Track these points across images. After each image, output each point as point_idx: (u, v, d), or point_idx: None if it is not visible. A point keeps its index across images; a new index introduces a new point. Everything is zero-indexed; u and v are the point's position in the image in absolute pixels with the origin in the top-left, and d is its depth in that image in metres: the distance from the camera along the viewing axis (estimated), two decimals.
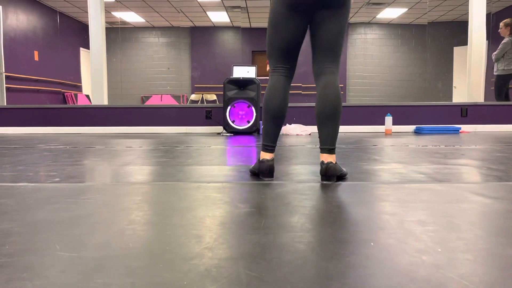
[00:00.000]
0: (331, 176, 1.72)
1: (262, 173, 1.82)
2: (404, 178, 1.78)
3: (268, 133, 1.87)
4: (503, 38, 5.67)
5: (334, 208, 1.25)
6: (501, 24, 5.65)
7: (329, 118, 1.77)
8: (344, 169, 1.82)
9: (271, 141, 1.86)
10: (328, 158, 1.75)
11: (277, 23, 1.83)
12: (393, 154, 2.70)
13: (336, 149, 2.02)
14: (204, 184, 1.65)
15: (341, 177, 1.79)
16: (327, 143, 1.77)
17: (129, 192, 1.51)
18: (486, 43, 6.36)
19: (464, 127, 5.30)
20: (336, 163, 1.76)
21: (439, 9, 9.88)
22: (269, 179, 1.80)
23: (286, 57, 1.88)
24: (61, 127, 5.50)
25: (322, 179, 1.75)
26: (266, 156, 1.84)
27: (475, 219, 1.13)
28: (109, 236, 0.98)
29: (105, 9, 7.31)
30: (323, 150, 1.78)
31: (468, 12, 6.39)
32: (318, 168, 2.06)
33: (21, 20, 8.38)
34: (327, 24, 1.79)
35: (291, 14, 1.79)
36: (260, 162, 1.83)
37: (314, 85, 1.89)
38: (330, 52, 1.83)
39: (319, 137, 1.81)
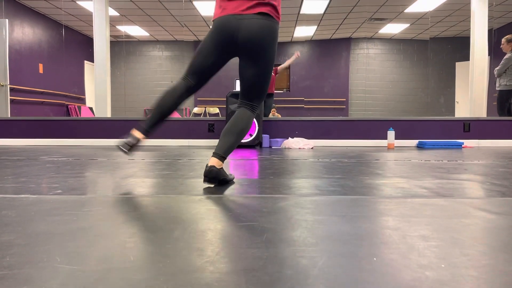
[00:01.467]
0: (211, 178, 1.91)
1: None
2: (407, 192, 1.77)
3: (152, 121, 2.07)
4: (505, 53, 5.70)
5: (336, 222, 1.25)
6: (503, 40, 5.68)
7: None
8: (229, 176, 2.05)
9: (147, 126, 2.06)
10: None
11: (203, 48, 2.07)
12: (396, 169, 2.69)
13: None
14: (206, 197, 1.65)
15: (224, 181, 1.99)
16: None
17: (131, 205, 1.50)
18: (488, 59, 6.39)
19: (467, 142, 5.29)
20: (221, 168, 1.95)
21: (440, 24, 9.95)
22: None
23: (196, 75, 2.12)
24: (64, 139, 5.52)
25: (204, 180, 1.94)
26: (135, 133, 2.05)
27: (478, 235, 1.12)
28: (110, 249, 0.98)
29: (110, 23, 7.39)
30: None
31: (469, 28, 6.44)
32: (320, 182, 2.06)
33: (27, 33, 8.48)
34: (246, 69, 2.05)
35: (215, 49, 2.03)
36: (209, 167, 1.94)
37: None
38: (247, 91, 2.09)
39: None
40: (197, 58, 2.10)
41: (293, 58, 6.46)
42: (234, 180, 2.13)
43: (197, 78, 2.11)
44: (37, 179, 2.17)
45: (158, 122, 2.08)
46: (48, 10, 8.89)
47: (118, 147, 2.05)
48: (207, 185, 1.95)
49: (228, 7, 1.98)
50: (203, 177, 1.93)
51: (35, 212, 1.36)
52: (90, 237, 1.08)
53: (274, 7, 1.98)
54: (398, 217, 1.31)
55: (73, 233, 1.11)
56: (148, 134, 2.06)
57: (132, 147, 2.03)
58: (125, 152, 2.03)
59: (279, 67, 6.61)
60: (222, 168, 1.96)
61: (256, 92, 2.08)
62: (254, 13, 1.94)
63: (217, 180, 1.92)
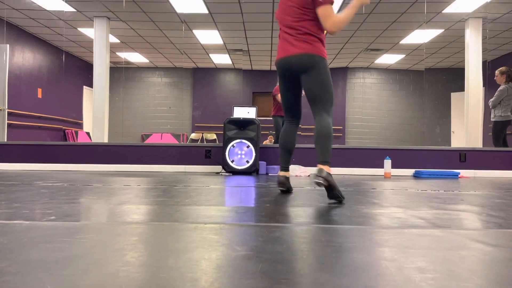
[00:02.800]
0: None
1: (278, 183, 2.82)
2: (403, 223, 1.76)
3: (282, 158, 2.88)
4: (499, 85, 5.79)
5: (332, 252, 1.23)
6: (497, 72, 5.79)
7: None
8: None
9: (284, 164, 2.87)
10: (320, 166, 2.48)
11: (280, 87, 2.80)
12: (392, 198, 2.68)
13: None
14: (201, 225, 1.64)
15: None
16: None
17: (125, 232, 1.49)
18: (482, 90, 6.48)
19: (463, 172, 5.30)
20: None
21: (436, 56, 10.14)
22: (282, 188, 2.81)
23: (287, 110, 2.86)
24: (60, 164, 5.50)
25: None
26: (280, 173, 2.84)
27: (475, 267, 1.11)
28: (103, 278, 0.96)
29: (110, 50, 7.51)
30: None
31: (464, 60, 6.56)
32: (317, 211, 2.05)
33: (27, 58, 8.57)
34: (303, 85, 2.66)
35: (282, 83, 2.77)
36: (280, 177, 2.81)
37: (312, 126, 2.62)
38: (311, 101, 2.66)
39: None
40: (282, 97, 2.88)
41: None
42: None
43: (290, 112, 2.88)
44: (30, 204, 2.15)
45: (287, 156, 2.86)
46: (50, 36, 9.02)
47: (280, 190, 2.88)
48: (204, 212, 1.93)
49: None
50: (316, 180, 2.40)
51: (27, 239, 1.34)
52: (82, 265, 1.06)
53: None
54: (394, 248, 1.30)
55: (66, 261, 1.10)
56: (288, 168, 2.85)
57: (286, 184, 2.80)
58: (285, 191, 2.84)
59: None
60: (331, 174, 2.45)
61: (320, 99, 2.64)
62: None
63: (325, 180, 2.37)
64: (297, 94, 2.78)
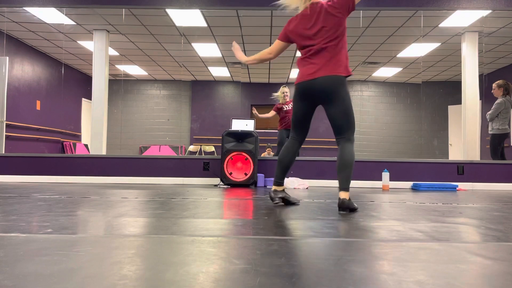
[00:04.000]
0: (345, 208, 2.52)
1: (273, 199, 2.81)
2: (402, 236, 1.75)
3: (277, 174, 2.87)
4: (496, 98, 5.82)
5: (331, 266, 1.23)
6: (494, 85, 5.83)
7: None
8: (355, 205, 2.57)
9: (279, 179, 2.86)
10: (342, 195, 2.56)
11: (294, 107, 2.81)
12: (391, 211, 2.68)
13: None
14: (199, 238, 1.63)
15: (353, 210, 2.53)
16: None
17: (122, 245, 1.48)
18: (479, 103, 6.52)
19: (461, 185, 5.30)
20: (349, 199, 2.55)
21: (433, 69, 10.22)
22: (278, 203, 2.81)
23: (296, 128, 2.86)
24: (58, 176, 5.48)
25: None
26: (274, 187, 2.85)
27: (474, 281, 1.10)
28: None
29: (109, 62, 7.54)
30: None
31: (461, 73, 6.61)
32: (315, 223, 2.05)
33: (26, 70, 8.60)
34: (329, 109, 2.68)
35: (302, 106, 2.75)
36: (274, 191, 2.83)
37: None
38: (336, 129, 2.72)
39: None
40: (294, 115, 2.86)
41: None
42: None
43: (298, 130, 2.90)
44: (27, 217, 2.13)
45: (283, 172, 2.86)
46: (49, 49, 9.07)
47: (274, 204, 2.84)
48: (202, 224, 1.92)
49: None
50: (342, 212, 2.51)
51: (24, 252, 1.33)
52: (79, 278, 1.05)
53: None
54: (393, 261, 1.30)
55: (62, 274, 1.09)
56: (282, 183, 2.86)
57: (280, 196, 2.83)
58: (277, 203, 2.82)
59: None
60: (350, 198, 2.56)
61: (346, 124, 2.70)
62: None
63: (348, 209, 2.51)
64: (311, 116, 2.82)
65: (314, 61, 2.63)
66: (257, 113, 6.84)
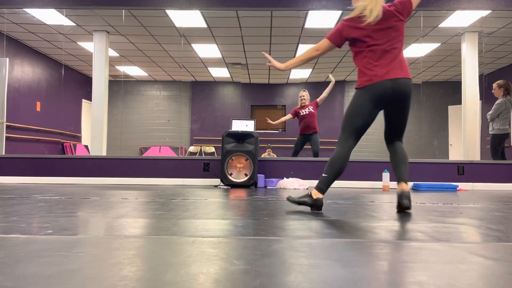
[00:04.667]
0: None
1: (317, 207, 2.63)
2: (402, 236, 1.75)
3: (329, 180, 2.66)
4: (496, 98, 5.82)
5: (331, 266, 1.23)
6: (495, 85, 5.82)
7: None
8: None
9: (325, 187, 2.65)
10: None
11: (359, 111, 2.62)
12: (391, 211, 2.68)
13: (331, 204, 2.62)
14: (199, 239, 1.63)
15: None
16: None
17: (122, 246, 1.48)
18: (479, 103, 6.52)
19: (461, 185, 5.30)
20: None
21: (432, 69, 10.22)
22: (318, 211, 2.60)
23: (358, 133, 2.69)
24: (58, 177, 5.48)
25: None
26: (319, 195, 2.63)
27: (475, 281, 1.10)
28: None
29: (109, 63, 7.54)
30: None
31: (461, 73, 6.61)
32: (315, 224, 2.04)
33: (26, 72, 8.61)
34: (396, 116, 2.65)
35: (370, 109, 2.60)
36: (316, 200, 2.61)
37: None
38: (396, 132, 2.74)
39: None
40: (354, 119, 2.65)
41: (330, 86, 6.32)
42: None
43: (360, 134, 2.70)
44: (28, 218, 2.13)
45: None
46: (49, 50, 9.07)
47: (313, 211, 2.63)
48: (203, 225, 1.92)
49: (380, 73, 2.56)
50: (399, 201, 2.56)
51: (24, 253, 1.33)
52: (79, 279, 1.05)
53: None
54: (393, 261, 1.30)
55: (62, 275, 1.09)
56: (324, 192, 2.66)
57: (310, 205, 2.63)
58: (296, 203, 2.67)
59: (318, 100, 6.43)
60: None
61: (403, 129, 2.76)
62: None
63: (409, 200, 2.55)
64: (373, 120, 2.68)
65: (385, 62, 2.57)
66: (271, 121, 6.77)
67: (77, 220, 2.10)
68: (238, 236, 1.72)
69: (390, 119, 2.69)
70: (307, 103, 6.37)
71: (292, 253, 1.40)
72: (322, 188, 2.63)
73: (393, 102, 2.58)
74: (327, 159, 5.75)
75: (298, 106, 6.41)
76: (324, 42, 2.72)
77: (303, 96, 6.39)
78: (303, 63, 2.80)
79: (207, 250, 1.43)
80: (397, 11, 2.60)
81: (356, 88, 2.67)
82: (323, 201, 2.68)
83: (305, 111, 6.30)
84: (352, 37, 2.63)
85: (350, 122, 2.66)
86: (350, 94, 11.44)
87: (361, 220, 2.22)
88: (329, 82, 6.31)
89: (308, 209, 2.72)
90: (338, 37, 2.68)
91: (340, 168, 2.64)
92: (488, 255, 1.40)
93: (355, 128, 2.65)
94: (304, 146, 6.44)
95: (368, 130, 2.73)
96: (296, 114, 6.40)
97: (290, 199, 2.72)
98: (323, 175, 2.65)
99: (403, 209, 2.59)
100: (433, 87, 11.09)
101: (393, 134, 2.74)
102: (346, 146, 2.66)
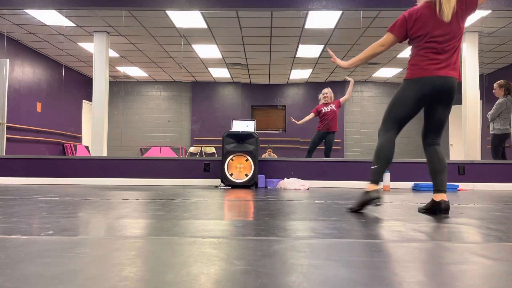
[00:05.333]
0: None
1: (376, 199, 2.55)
2: (403, 236, 1.75)
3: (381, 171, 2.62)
4: (497, 98, 5.82)
5: (332, 266, 1.23)
6: (495, 85, 5.82)
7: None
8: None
9: (379, 178, 2.62)
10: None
11: (404, 102, 2.61)
12: (392, 211, 2.68)
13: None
14: (200, 239, 1.63)
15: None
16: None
17: (123, 247, 1.48)
18: (480, 103, 6.52)
19: (462, 185, 5.30)
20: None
21: None
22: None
23: (400, 125, 2.68)
24: (58, 178, 5.48)
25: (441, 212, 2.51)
26: (375, 187, 2.57)
27: (476, 281, 1.10)
28: None
29: (109, 64, 7.54)
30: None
31: (461, 73, 6.60)
32: (316, 224, 2.04)
33: (27, 72, 8.61)
34: (437, 113, 2.61)
35: (415, 102, 2.57)
36: (374, 191, 2.54)
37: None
38: (435, 131, 2.69)
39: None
40: (399, 109, 2.63)
41: (351, 86, 6.30)
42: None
43: (402, 125, 2.68)
44: (28, 219, 2.13)
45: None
46: (49, 51, 9.07)
47: (375, 205, 2.57)
48: (203, 226, 1.92)
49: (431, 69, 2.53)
50: (444, 214, 2.51)
51: (25, 254, 1.33)
52: (80, 280, 1.05)
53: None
54: (394, 262, 1.30)
55: (63, 276, 1.09)
56: (379, 183, 2.61)
57: (379, 199, 2.55)
58: (359, 208, 2.60)
59: (341, 99, 6.43)
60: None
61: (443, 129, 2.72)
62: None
63: (448, 211, 2.52)
64: (415, 115, 2.67)
65: (441, 57, 2.52)
66: (295, 121, 6.76)
67: (77, 220, 2.10)
68: (239, 236, 1.72)
69: (431, 116, 2.64)
70: (329, 101, 6.34)
71: (292, 253, 1.40)
72: (376, 180, 2.59)
73: (438, 99, 2.56)
74: (330, 159, 5.76)
75: (321, 103, 6.38)
76: (388, 37, 2.67)
77: (326, 93, 6.36)
78: (367, 60, 2.76)
79: (208, 250, 1.43)
80: (462, 9, 2.54)
81: (404, 79, 2.62)
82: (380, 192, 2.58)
83: (327, 109, 6.28)
84: (414, 29, 2.57)
85: (393, 112, 2.65)
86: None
87: (362, 220, 2.22)
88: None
89: (309, 209, 2.72)
90: (402, 30, 2.62)
91: (388, 155, 2.62)
92: (488, 255, 1.40)
93: (397, 119, 2.64)
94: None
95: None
96: (317, 111, 6.37)
97: (352, 209, 2.64)
98: (373, 167, 2.62)
99: (438, 213, 2.53)
100: None
101: (431, 134, 2.68)
102: (388, 135, 2.65)
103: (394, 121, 2.65)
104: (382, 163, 2.61)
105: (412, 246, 1.54)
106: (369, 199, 2.54)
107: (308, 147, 6.44)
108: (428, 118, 2.67)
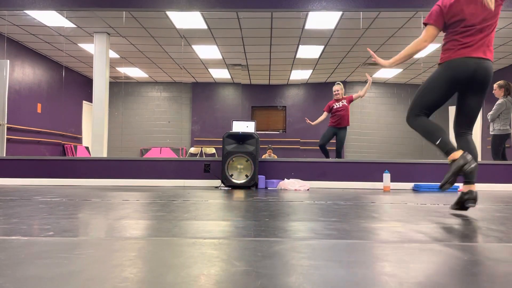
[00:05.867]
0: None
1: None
2: (403, 237, 1.75)
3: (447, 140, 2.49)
4: (497, 99, 5.81)
5: (332, 267, 1.23)
6: (495, 85, 5.81)
7: None
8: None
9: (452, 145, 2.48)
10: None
11: (436, 86, 2.53)
12: (392, 212, 2.68)
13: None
14: (200, 240, 1.63)
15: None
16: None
17: (123, 248, 1.48)
18: None
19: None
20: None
21: (433, 70, 10.20)
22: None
23: (429, 111, 2.59)
24: (59, 178, 5.48)
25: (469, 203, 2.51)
26: (456, 154, 2.42)
27: (476, 282, 1.10)
28: None
29: (109, 65, 7.55)
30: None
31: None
32: (316, 225, 2.04)
33: (27, 73, 8.62)
34: (470, 100, 2.52)
35: (448, 86, 2.50)
36: (459, 158, 2.39)
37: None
38: (467, 120, 2.59)
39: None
40: (431, 94, 2.54)
41: (368, 84, 6.29)
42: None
43: (431, 112, 2.59)
44: (29, 220, 2.13)
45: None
46: (50, 52, 9.08)
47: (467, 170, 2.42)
48: (203, 227, 1.92)
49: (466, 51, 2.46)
50: (471, 204, 2.53)
51: (25, 255, 1.33)
52: (80, 281, 1.05)
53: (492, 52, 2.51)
54: (394, 262, 1.30)
55: (64, 277, 1.09)
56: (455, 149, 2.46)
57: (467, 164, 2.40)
58: (449, 183, 2.50)
59: (354, 96, 6.46)
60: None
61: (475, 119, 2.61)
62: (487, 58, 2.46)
63: (476, 201, 2.50)
64: (446, 101, 2.59)
65: (477, 38, 2.45)
66: (310, 122, 6.77)
67: (78, 221, 2.10)
68: (239, 237, 1.72)
69: (464, 103, 2.54)
70: (340, 97, 6.36)
71: (293, 254, 1.40)
72: (451, 148, 2.45)
73: (471, 84, 2.47)
74: (331, 160, 5.76)
75: (333, 99, 6.41)
76: (429, 30, 2.63)
77: (337, 90, 6.39)
78: (410, 57, 2.72)
79: (208, 251, 1.43)
80: None
81: (438, 65, 2.57)
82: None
83: (339, 105, 6.32)
84: (450, 15, 2.53)
85: (424, 98, 2.57)
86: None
87: (362, 221, 2.22)
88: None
89: (310, 210, 2.72)
90: (440, 19, 2.59)
91: (436, 125, 2.55)
92: (489, 256, 1.40)
93: (426, 106, 2.56)
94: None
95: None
96: (329, 108, 6.40)
97: (452, 207, 2.68)
98: (437, 143, 2.49)
99: (462, 208, 2.55)
100: None
101: (463, 122, 2.60)
102: (421, 116, 2.57)
103: (423, 107, 2.56)
104: (439, 134, 2.50)
105: (412, 247, 1.54)
106: (459, 167, 2.38)
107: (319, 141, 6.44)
108: (460, 107, 2.58)
